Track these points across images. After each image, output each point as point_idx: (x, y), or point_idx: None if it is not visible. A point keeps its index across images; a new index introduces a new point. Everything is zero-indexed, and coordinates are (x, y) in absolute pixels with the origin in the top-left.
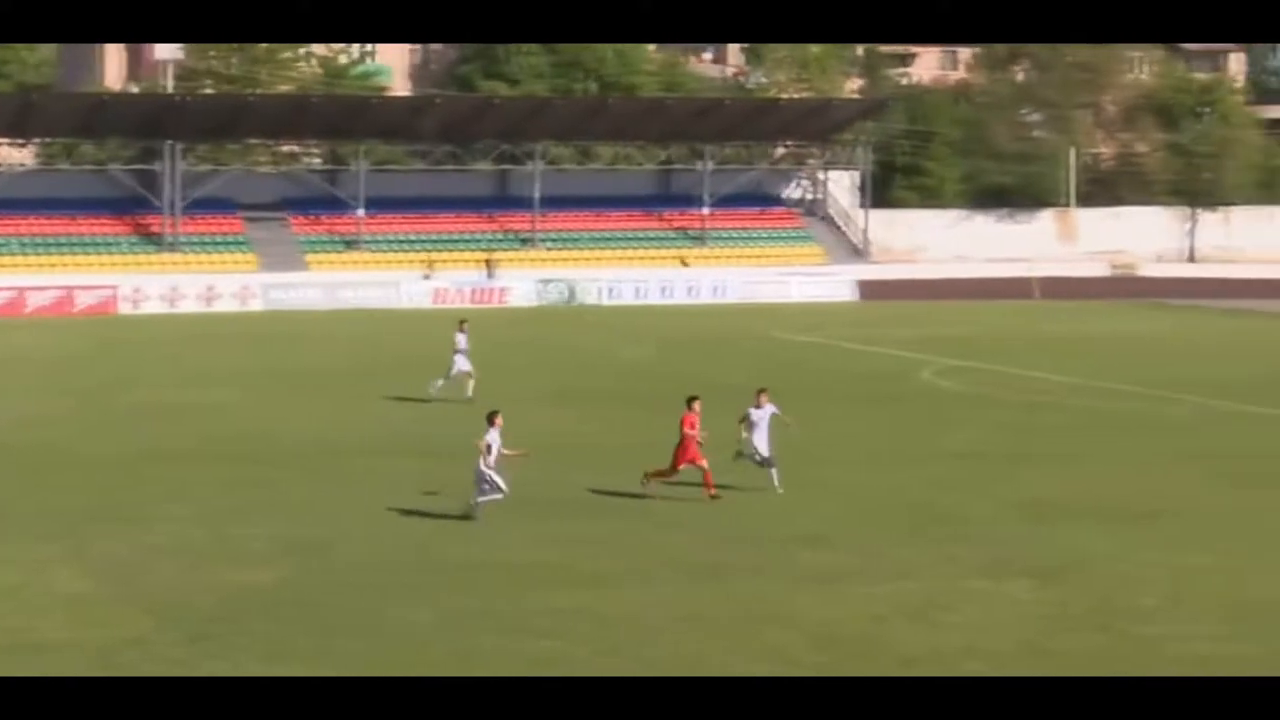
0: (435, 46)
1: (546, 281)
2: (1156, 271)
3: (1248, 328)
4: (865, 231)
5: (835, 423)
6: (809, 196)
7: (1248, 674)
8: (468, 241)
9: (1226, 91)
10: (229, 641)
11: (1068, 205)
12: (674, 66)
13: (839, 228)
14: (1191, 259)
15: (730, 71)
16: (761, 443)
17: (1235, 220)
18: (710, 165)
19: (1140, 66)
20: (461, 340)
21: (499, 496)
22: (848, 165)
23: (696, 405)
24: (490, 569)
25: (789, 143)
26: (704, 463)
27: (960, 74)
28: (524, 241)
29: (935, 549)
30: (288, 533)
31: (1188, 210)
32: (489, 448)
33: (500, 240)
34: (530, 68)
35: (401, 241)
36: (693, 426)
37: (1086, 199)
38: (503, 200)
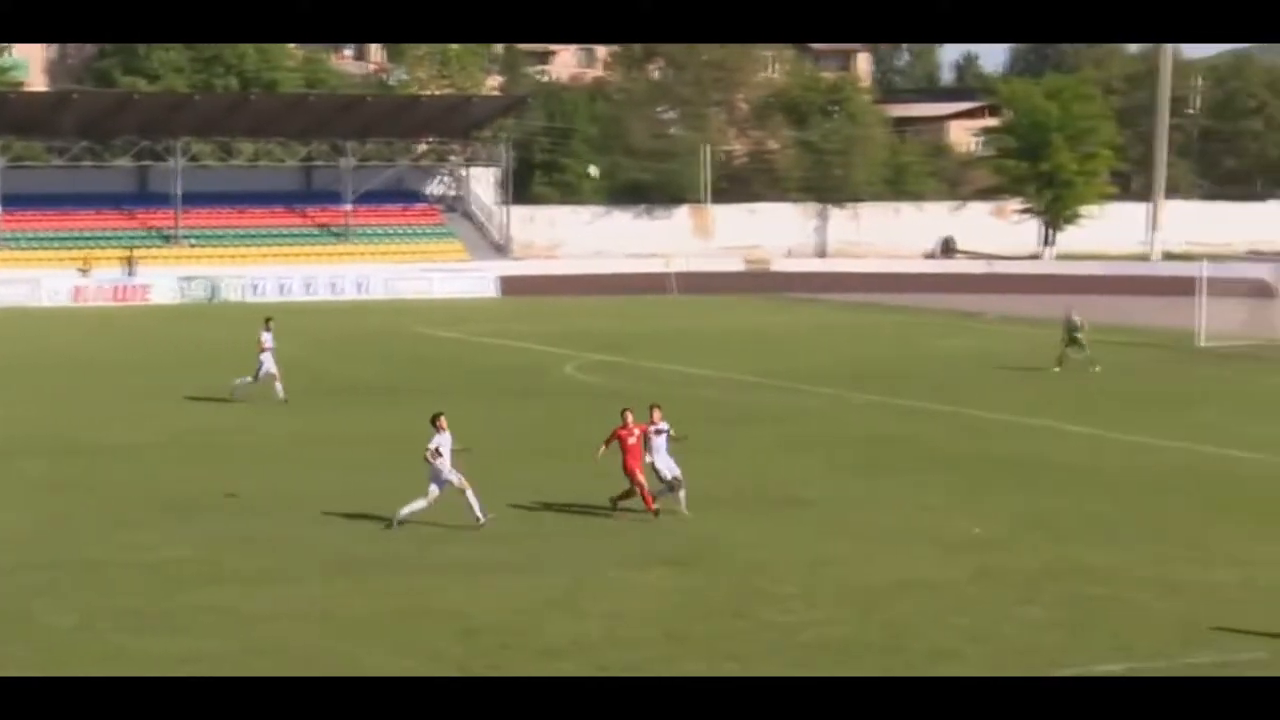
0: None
1: (189, 279)
2: (789, 266)
3: (874, 321)
4: (506, 228)
5: (479, 416)
6: (451, 193)
7: (877, 658)
8: (109, 238)
9: (854, 90)
10: None
11: (703, 202)
12: (315, 63)
13: (480, 224)
14: (822, 254)
15: (372, 68)
16: (663, 464)
17: (864, 216)
18: (352, 162)
19: (771, 65)
20: (268, 339)
21: (422, 504)
22: (489, 162)
23: (629, 416)
24: (132, 569)
25: (430, 139)
26: (640, 478)
27: (597, 72)
28: (166, 238)
29: (577, 540)
30: None
31: (818, 206)
32: (437, 451)
33: (142, 237)
34: (169, 63)
35: (41, 239)
36: (628, 437)
37: (721, 195)
38: (144, 197)
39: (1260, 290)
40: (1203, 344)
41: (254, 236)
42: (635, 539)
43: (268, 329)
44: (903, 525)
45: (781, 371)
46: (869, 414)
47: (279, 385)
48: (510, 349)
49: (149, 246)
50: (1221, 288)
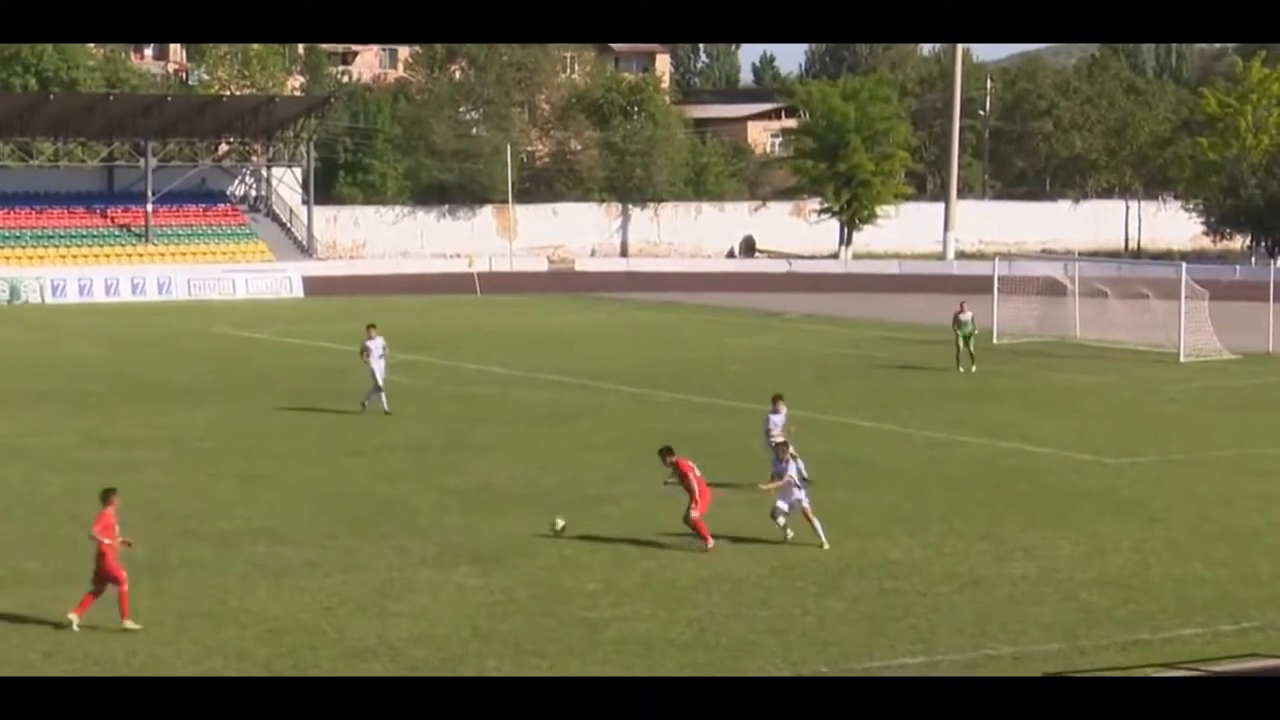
0: None
1: None
2: (591, 266)
3: (677, 320)
4: (310, 228)
5: (282, 417)
6: (254, 193)
7: (682, 653)
8: None
9: (654, 91)
10: None
11: (506, 202)
12: (115, 62)
13: (284, 224)
14: (624, 254)
15: (173, 68)
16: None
17: (665, 216)
18: (154, 162)
19: (572, 66)
20: (375, 346)
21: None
22: (292, 162)
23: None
24: None
25: (233, 140)
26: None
27: (399, 72)
28: None
29: (383, 540)
30: None
31: (620, 206)
32: (773, 431)
33: None
34: None
35: None
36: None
37: (524, 196)
38: None
39: (1052, 288)
40: (997, 341)
41: (54, 237)
42: (441, 539)
43: (371, 336)
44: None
45: (586, 370)
46: (672, 412)
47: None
48: (315, 349)
49: None
50: (1015, 286)
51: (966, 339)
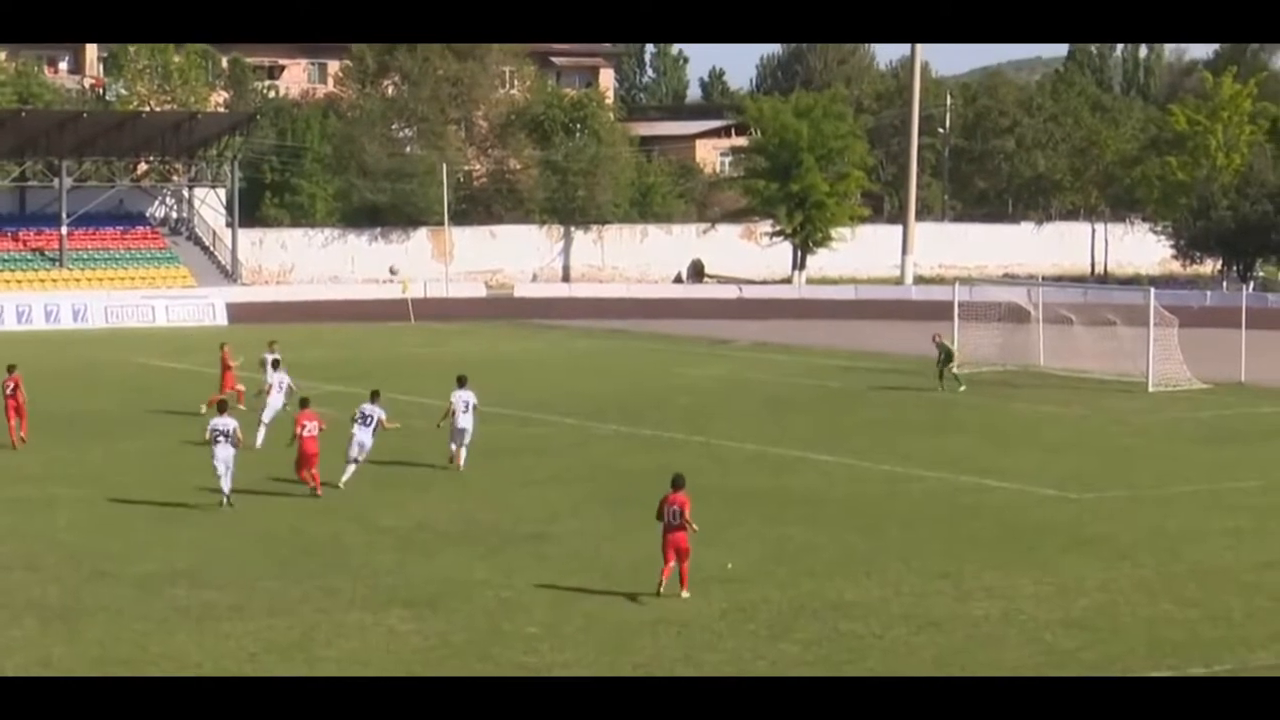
0: None
1: None
2: (532, 292)
3: (621, 348)
4: (234, 252)
5: (205, 451)
6: (175, 215)
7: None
8: None
9: (598, 108)
10: None
11: (442, 224)
12: (27, 76)
13: (207, 248)
14: (567, 278)
15: (89, 82)
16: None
17: (609, 239)
18: (69, 182)
19: (511, 81)
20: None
21: None
22: (215, 182)
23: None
24: None
25: (153, 158)
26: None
27: (329, 88)
28: None
29: (311, 581)
30: None
31: (561, 229)
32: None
33: None
34: None
35: None
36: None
37: (460, 217)
38: None
39: (1014, 314)
40: (957, 370)
41: None
42: (372, 580)
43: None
44: (651, 560)
45: (524, 401)
46: (615, 445)
47: None
48: (239, 379)
49: None
50: (975, 312)
51: (948, 361)
